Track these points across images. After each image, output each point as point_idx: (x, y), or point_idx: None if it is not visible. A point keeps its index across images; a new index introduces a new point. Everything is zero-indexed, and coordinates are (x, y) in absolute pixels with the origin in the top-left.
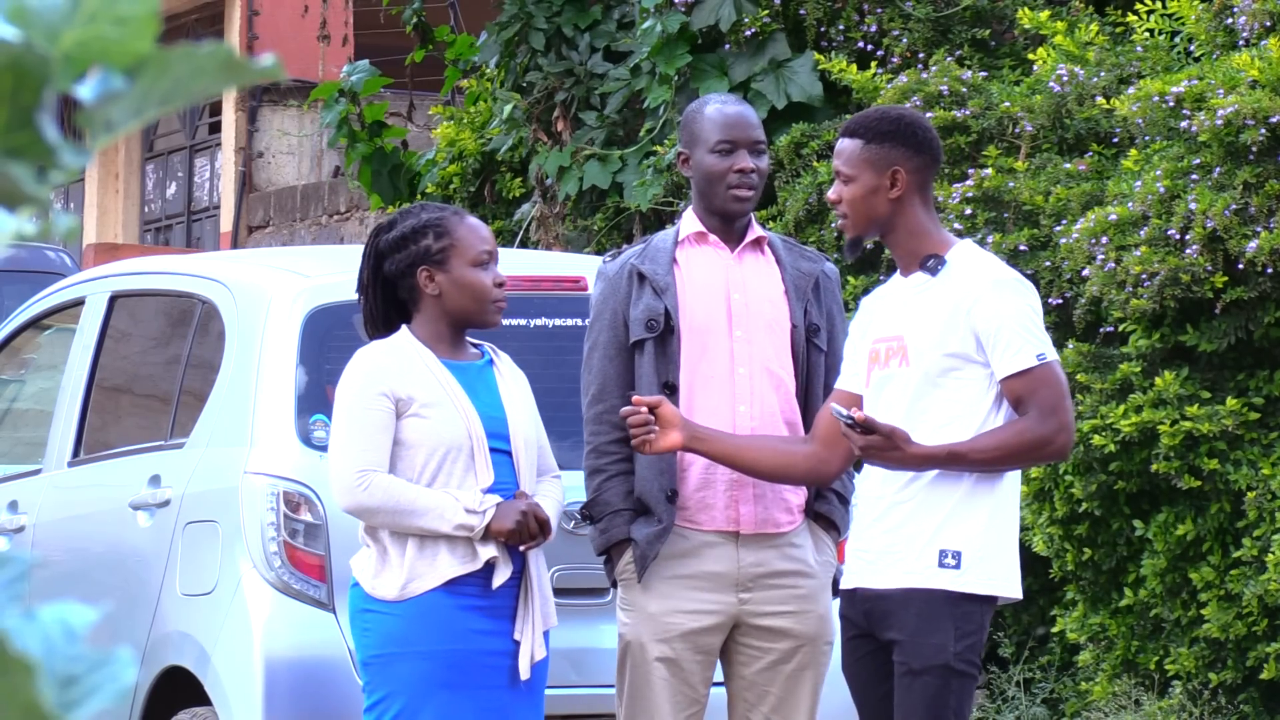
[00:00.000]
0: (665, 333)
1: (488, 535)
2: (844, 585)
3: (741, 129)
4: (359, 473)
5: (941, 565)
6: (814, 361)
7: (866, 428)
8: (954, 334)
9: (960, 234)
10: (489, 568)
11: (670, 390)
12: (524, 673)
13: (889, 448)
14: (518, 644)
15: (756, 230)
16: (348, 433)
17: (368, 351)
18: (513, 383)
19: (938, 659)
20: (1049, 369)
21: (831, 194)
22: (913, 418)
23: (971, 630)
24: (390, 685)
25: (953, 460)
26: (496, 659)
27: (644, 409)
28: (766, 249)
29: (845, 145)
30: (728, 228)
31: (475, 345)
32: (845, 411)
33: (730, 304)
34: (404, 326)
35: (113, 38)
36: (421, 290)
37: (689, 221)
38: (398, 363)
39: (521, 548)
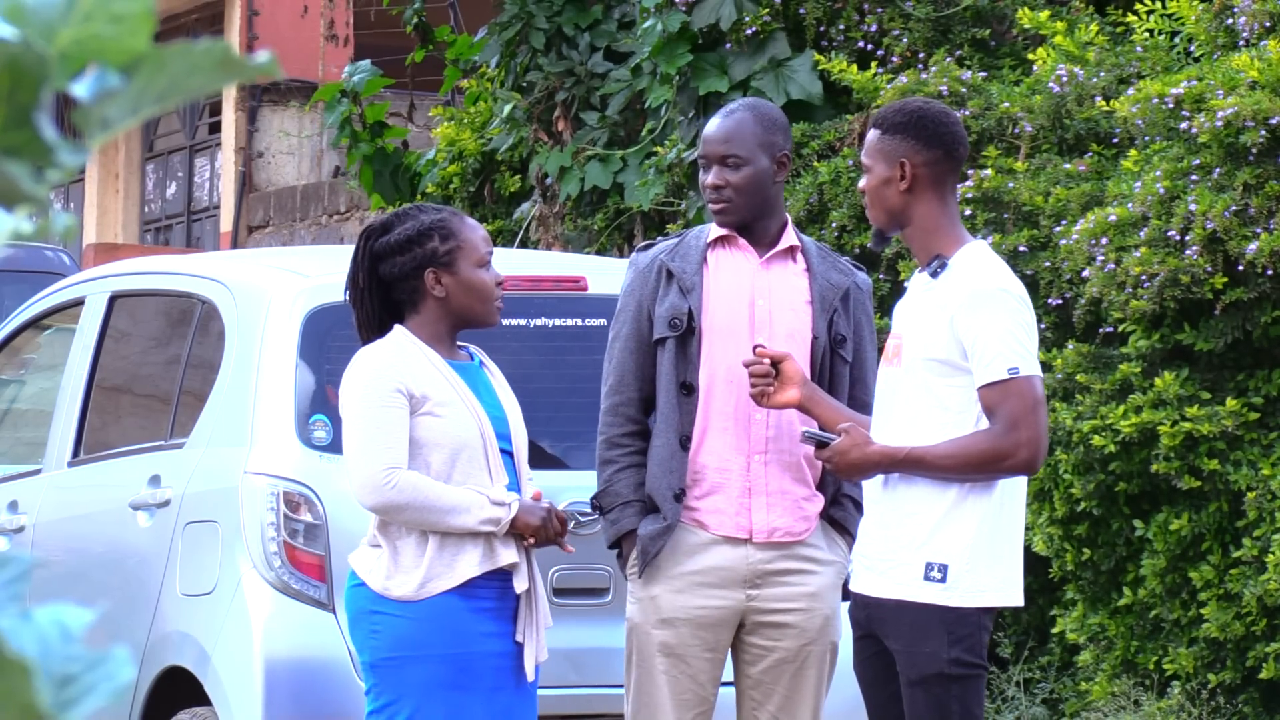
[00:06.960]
0: (687, 333)
1: (511, 530)
2: (851, 587)
3: (709, 145)
4: (386, 470)
5: (927, 579)
6: (838, 372)
7: (820, 441)
8: (940, 341)
9: None
10: (503, 570)
11: (688, 390)
12: (529, 674)
13: (848, 450)
14: (519, 645)
15: (790, 238)
16: (366, 430)
17: (373, 350)
18: (504, 384)
19: (931, 668)
20: (1020, 383)
21: (860, 183)
22: (901, 418)
23: (967, 633)
24: (400, 689)
25: (913, 462)
26: (501, 660)
27: (766, 361)
28: (798, 257)
29: (869, 135)
30: (753, 233)
31: (461, 347)
32: (808, 430)
33: (754, 310)
34: (398, 326)
35: (109, 35)
36: (426, 292)
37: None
38: (406, 361)
39: (528, 546)
